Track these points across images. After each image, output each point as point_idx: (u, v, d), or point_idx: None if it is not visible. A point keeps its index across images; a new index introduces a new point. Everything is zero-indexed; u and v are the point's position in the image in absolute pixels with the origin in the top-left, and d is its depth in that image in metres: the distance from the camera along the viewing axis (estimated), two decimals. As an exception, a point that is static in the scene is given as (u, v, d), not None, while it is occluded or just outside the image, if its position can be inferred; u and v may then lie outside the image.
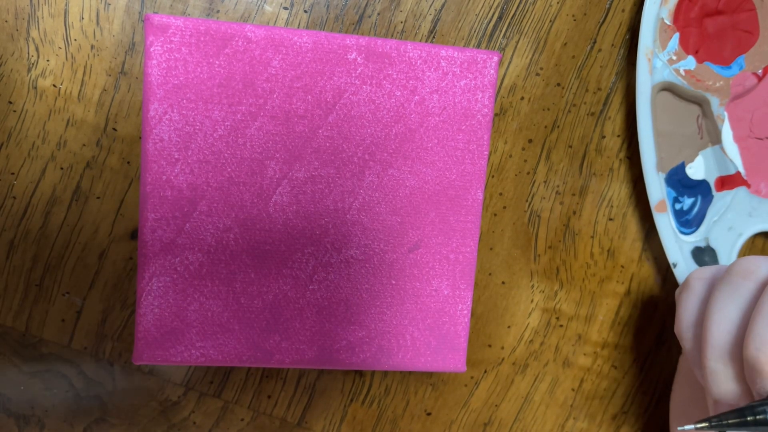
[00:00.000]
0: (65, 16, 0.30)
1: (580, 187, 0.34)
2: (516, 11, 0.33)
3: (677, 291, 0.29)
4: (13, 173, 0.30)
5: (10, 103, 0.30)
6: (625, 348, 0.35)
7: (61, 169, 0.30)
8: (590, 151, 0.34)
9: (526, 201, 0.34)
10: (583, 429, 0.35)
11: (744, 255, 0.37)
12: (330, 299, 0.28)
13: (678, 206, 0.34)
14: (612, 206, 0.35)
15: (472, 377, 0.34)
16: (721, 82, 0.34)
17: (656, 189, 0.33)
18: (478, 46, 0.33)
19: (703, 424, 0.23)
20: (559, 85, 0.34)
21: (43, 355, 0.31)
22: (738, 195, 0.35)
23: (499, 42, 0.33)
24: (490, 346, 0.34)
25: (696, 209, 0.35)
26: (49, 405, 0.31)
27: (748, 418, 0.23)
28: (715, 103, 0.34)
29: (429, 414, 0.34)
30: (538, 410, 0.35)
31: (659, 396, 0.36)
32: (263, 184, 0.27)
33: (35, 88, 0.30)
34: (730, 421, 0.23)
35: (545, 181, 0.34)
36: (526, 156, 0.34)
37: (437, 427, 0.34)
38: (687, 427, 0.23)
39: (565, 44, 0.34)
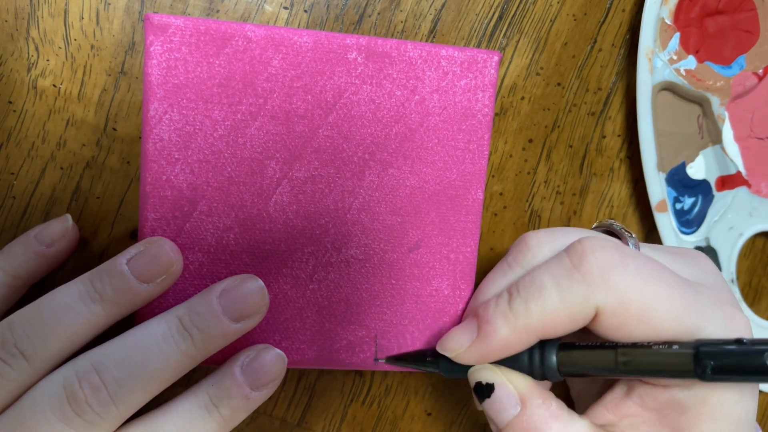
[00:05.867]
0: (65, 16, 0.30)
1: (580, 187, 0.34)
2: (516, 11, 0.33)
3: None
4: (12, 173, 0.30)
5: (10, 103, 0.30)
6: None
7: (61, 169, 0.30)
8: (590, 150, 0.34)
9: (527, 201, 0.34)
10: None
11: (745, 255, 0.37)
12: (330, 299, 0.28)
13: (678, 206, 0.34)
14: (612, 206, 0.35)
15: (472, 377, 0.34)
16: (722, 82, 0.34)
17: (657, 189, 0.33)
18: (479, 45, 0.33)
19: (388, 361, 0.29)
20: (559, 84, 0.34)
21: (43, 355, 0.31)
22: (738, 195, 0.35)
23: (499, 42, 0.33)
24: (490, 346, 0.34)
25: (696, 209, 0.35)
26: (48, 405, 0.31)
27: (419, 361, 0.28)
28: (716, 102, 0.34)
29: (429, 414, 0.34)
30: (539, 410, 0.35)
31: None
32: (263, 183, 0.27)
33: (35, 88, 0.30)
34: (408, 360, 0.29)
35: (545, 181, 0.34)
36: (526, 156, 0.34)
37: (438, 428, 0.34)
38: (379, 359, 0.29)
39: (566, 44, 0.34)
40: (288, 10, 0.31)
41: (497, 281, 0.27)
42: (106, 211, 0.31)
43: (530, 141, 0.34)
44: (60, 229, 0.28)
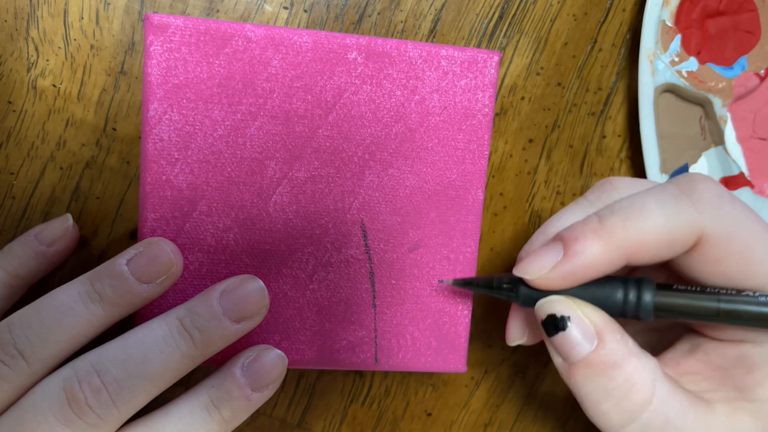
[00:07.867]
0: (65, 16, 0.30)
1: (580, 187, 0.34)
2: (516, 11, 0.33)
3: None
4: (12, 173, 0.30)
5: (10, 102, 0.30)
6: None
7: (61, 169, 0.30)
8: (591, 151, 0.34)
9: (527, 201, 0.34)
10: (584, 431, 0.35)
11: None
12: (330, 299, 0.28)
13: (679, 207, 0.34)
14: (613, 207, 0.35)
15: (472, 378, 0.34)
16: (724, 83, 0.34)
17: (658, 189, 0.33)
18: (479, 45, 0.33)
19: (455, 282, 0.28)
20: (559, 84, 0.34)
21: (43, 355, 0.31)
22: (741, 196, 0.34)
23: (499, 41, 0.33)
24: (490, 346, 0.34)
25: (698, 210, 0.35)
26: (48, 405, 0.31)
27: (493, 286, 0.27)
28: (718, 104, 0.34)
29: (429, 415, 0.34)
30: (539, 411, 0.35)
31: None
32: (263, 183, 0.27)
33: (35, 87, 0.30)
34: (479, 285, 0.27)
35: (546, 181, 0.34)
36: (526, 156, 0.34)
37: (437, 428, 0.34)
38: (444, 281, 0.29)
39: (566, 44, 0.34)
40: (288, 10, 0.31)
41: (575, 214, 0.26)
42: (106, 211, 0.30)
43: (530, 141, 0.34)
44: (60, 229, 0.28)
